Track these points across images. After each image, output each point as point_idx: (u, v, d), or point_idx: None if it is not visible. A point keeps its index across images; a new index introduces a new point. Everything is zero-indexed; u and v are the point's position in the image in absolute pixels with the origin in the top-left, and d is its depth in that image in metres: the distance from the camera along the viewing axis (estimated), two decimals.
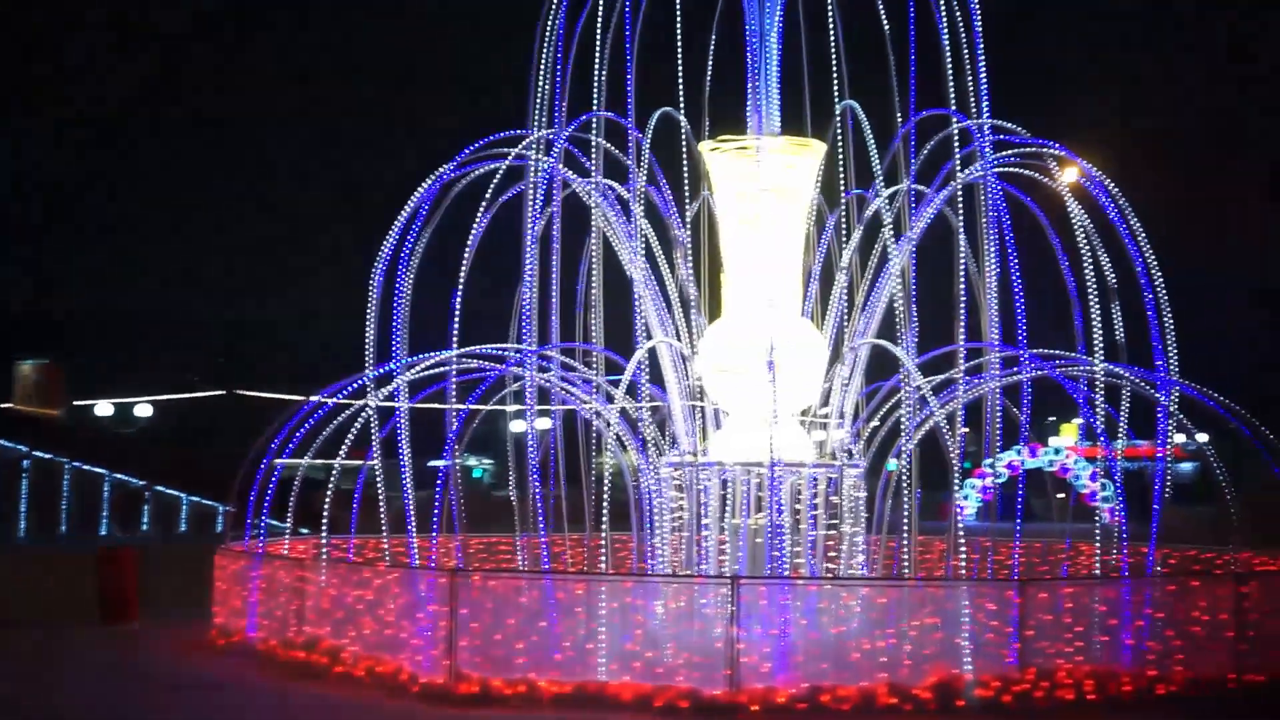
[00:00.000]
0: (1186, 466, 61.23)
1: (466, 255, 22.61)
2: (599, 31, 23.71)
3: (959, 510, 24.87)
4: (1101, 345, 22.24)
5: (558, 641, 18.78)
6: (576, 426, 24.81)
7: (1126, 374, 22.18)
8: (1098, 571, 22.41)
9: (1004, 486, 40.46)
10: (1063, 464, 49.84)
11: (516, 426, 30.34)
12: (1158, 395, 22.11)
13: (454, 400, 22.76)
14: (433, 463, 23.97)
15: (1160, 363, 22.26)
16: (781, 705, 17.85)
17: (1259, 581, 20.62)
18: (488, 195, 22.69)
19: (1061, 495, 46.42)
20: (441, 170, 22.80)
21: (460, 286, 22.56)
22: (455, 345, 22.60)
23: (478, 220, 22.85)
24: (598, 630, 18.67)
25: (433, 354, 22.67)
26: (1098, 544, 22.51)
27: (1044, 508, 46.03)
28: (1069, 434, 68.61)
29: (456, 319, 22.30)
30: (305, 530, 26.44)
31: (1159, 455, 22.11)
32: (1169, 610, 19.57)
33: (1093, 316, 22.49)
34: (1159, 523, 22.08)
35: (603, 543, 23.32)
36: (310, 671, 20.41)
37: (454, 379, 22.78)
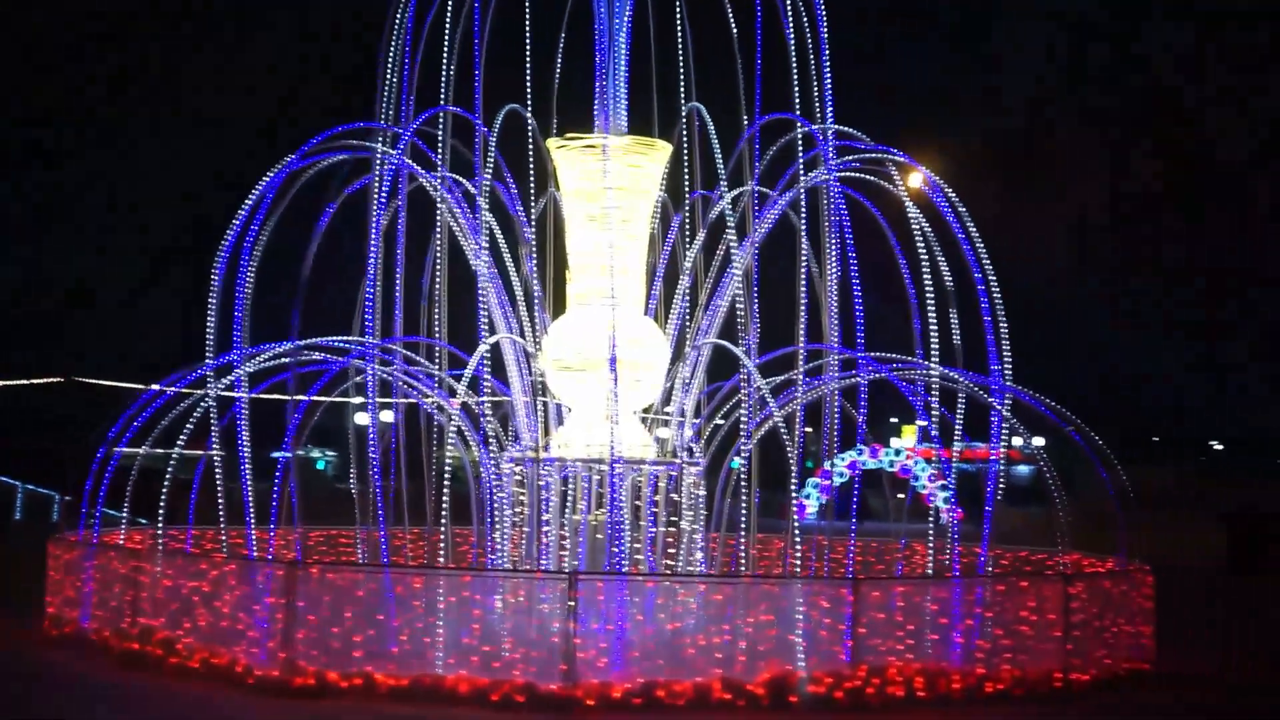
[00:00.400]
0: (1024, 469, 62.30)
1: (310, 247, 22.51)
2: (447, 26, 23.66)
3: (799, 509, 25.21)
4: (937, 349, 22.60)
5: (395, 635, 18.77)
6: (419, 420, 24.78)
7: (961, 378, 22.57)
8: (930, 571, 22.78)
9: (845, 486, 41.00)
10: (903, 465, 50.64)
11: (361, 419, 30.20)
12: (991, 400, 22.53)
13: (294, 392, 22.61)
14: (273, 454, 23.79)
15: (995, 368, 22.69)
16: (617, 700, 18.01)
17: (1085, 583, 21.09)
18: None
19: (901, 496, 47.11)
20: (286, 161, 22.63)
21: (304, 278, 22.47)
22: (296, 337, 22.48)
23: (323, 212, 22.76)
24: (435, 624, 18.69)
25: (273, 345, 22.51)
26: (930, 544, 22.89)
27: (883, 507, 46.68)
28: (910, 435, 69.55)
29: (298, 310, 22.25)
30: (143, 520, 26.10)
31: (991, 458, 22.54)
32: (998, 610, 20.00)
33: (930, 321, 22.85)
34: (993, 524, 22.50)
35: (443, 537, 23.30)
36: (145, 663, 20.17)
37: (294, 371, 22.61)
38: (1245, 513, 30.37)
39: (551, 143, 23.61)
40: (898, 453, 51.75)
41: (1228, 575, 29.98)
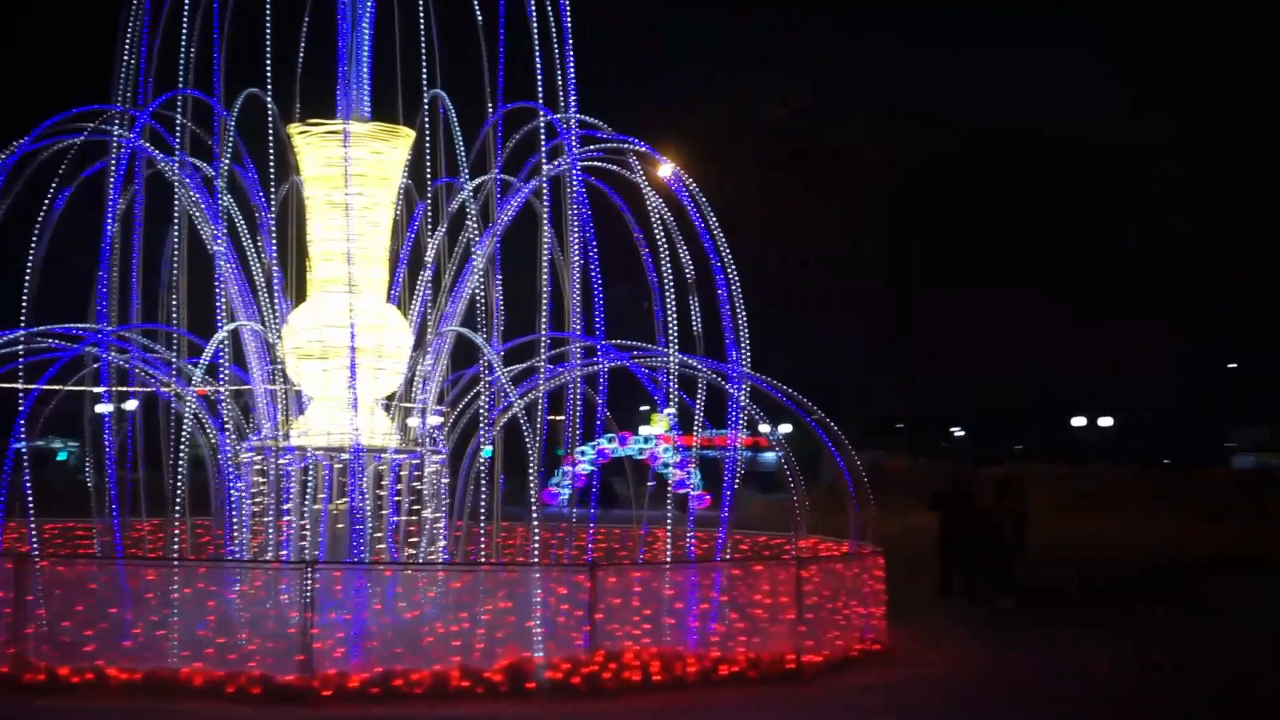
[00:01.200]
0: (771, 456, 63.32)
1: (44, 232, 22.02)
2: (186, 7, 23.23)
3: (550, 497, 25.36)
4: (677, 337, 22.91)
5: (128, 628, 18.45)
6: (157, 409, 24.33)
7: (700, 366, 22.91)
8: (669, 557, 23.08)
9: (597, 474, 41.25)
10: (652, 452, 51.11)
11: (103, 408, 29.53)
12: (729, 388, 22.92)
13: (23, 380, 22.03)
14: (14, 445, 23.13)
15: (734, 355, 23.09)
16: (354, 690, 17.91)
17: (819, 566, 21.59)
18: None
19: (652, 483, 47.52)
20: (18, 144, 22.05)
21: (35, 263, 21.96)
22: (29, 324, 21.94)
23: (55, 196, 22.25)
24: (170, 617, 18.42)
25: (4, 333, 21.91)
26: (669, 529, 23.19)
27: (630, 494, 47.01)
28: (659, 423, 70.23)
29: (26, 295, 21.74)
30: None
31: (730, 445, 22.94)
32: (733, 593, 20.38)
33: (670, 309, 23.15)
34: (738, 510, 22.90)
35: (180, 528, 22.92)
36: None
37: (24, 359, 22.03)
38: (952, 493, 31.29)
39: (293, 128, 23.36)
40: (647, 440, 52.26)
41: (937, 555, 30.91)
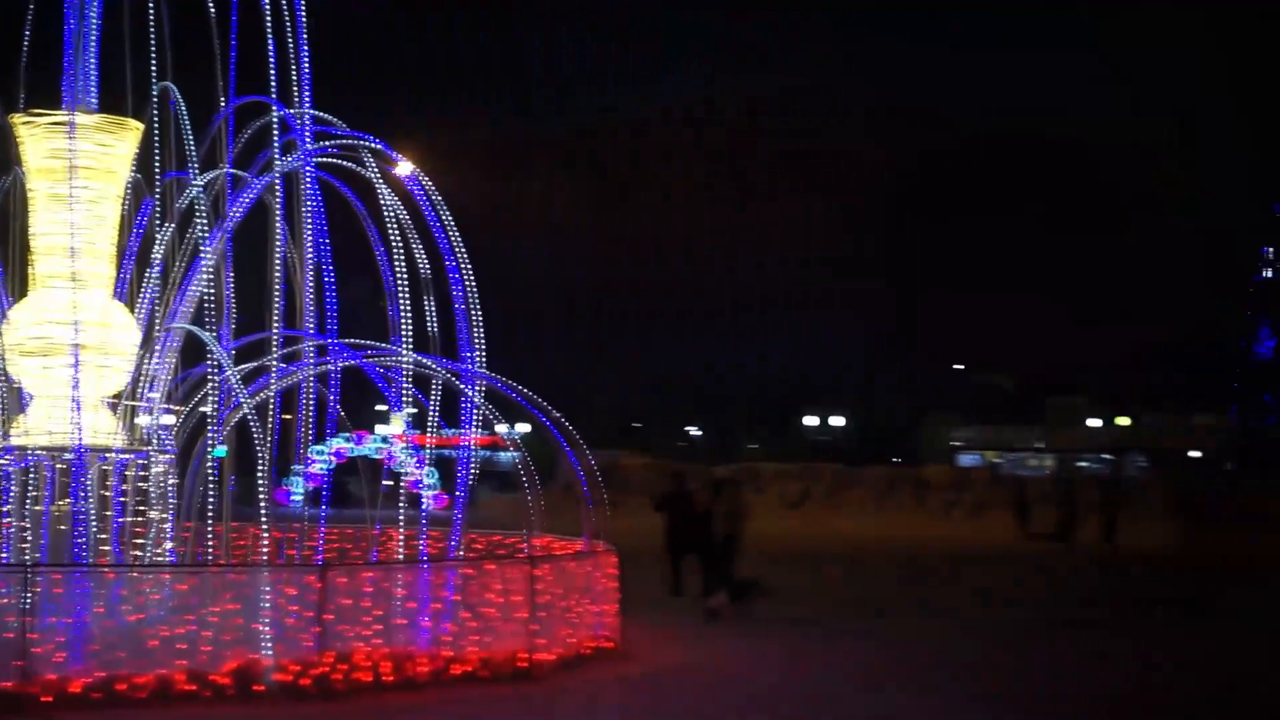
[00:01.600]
0: (508, 456, 63.36)
1: None
2: None
3: (284, 496, 25.02)
4: (412, 337, 22.84)
5: None
6: None
7: (434, 365, 22.86)
8: (401, 556, 22.96)
9: (331, 473, 40.79)
10: (389, 451, 50.65)
11: None
12: (464, 387, 22.92)
13: None
14: None
15: (467, 355, 23.09)
16: (76, 695, 17.47)
17: (552, 565, 21.71)
18: None
19: (389, 482, 47.17)
20: None
21: None
22: None
23: None
24: None
25: None
26: (401, 529, 23.09)
27: (366, 494, 46.63)
28: (397, 423, 69.76)
29: None
30: None
31: (463, 444, 22.94)
32: (466, 593, 20.38)
33: (406, 308, 23.06)
34: (477, 509, 22.91)
35: None
36: None
37: None
38: (675, 493, 31.78)
39: (16, 118, 22.68)
40: (384, 439, 51.74)
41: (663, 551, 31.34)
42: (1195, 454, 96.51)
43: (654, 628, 24.87)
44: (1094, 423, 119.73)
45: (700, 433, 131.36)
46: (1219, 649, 25.11)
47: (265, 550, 20.16)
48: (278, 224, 22.97)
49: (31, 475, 21.82)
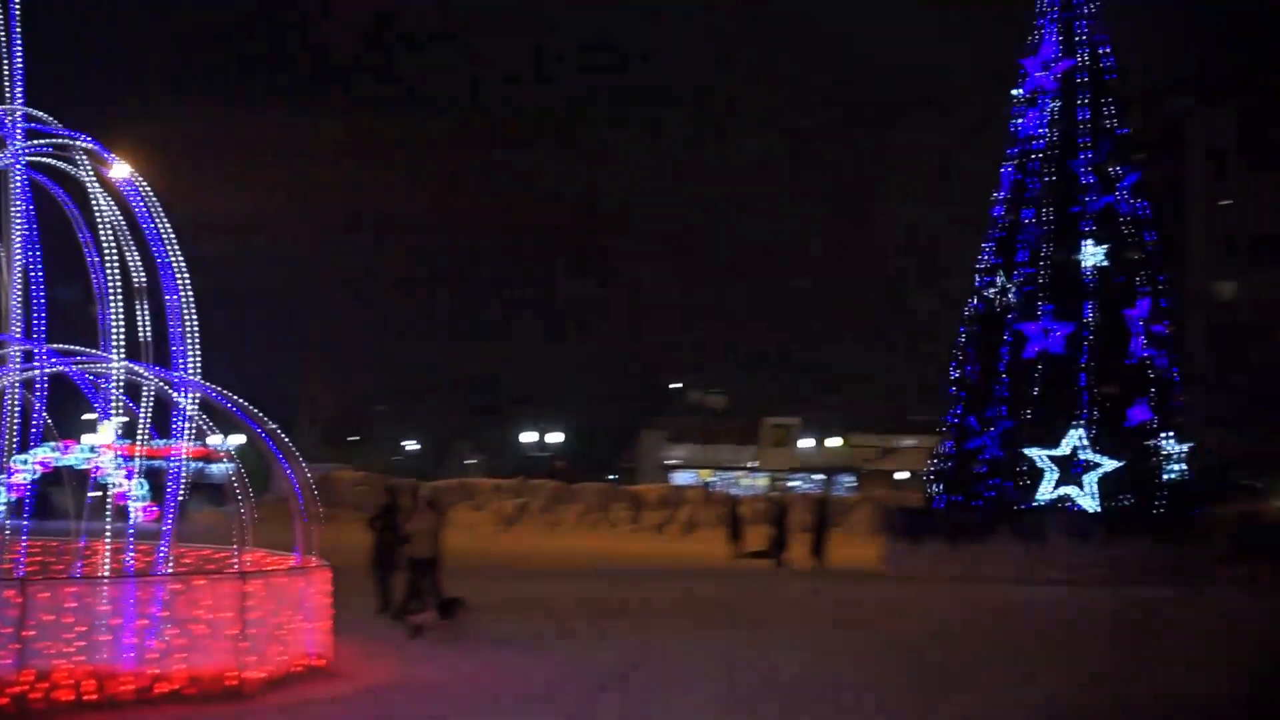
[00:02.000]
0: (221, 468, 62.15)
1: None
2: None
3: None
4: (124, 343, 22.23)
5: None
6: None
7: (146, 373, 22.28)
8: (107, 571, 22.29)
9: (35, 484, 39.46)
10: (97, 462, 49.17)
11: None
12: (177, 396, 22.38)
13: None
14: None
15: (181, 363, 22.56)
16: None
17: (264, 581, 21.27)
18: None
19: (96, 494, 45.80)
20: None
21: None
22: None
23: None
24: None
25: None
26: (108, 542, 22.41)
27: (71, 505, 45.27)
28: (105, 432, 67.93)
29: None
30: None
31: (175, 455, 22.40)
32: (174, 609, 19.85)
33: (118, 314, 22.43)
34: (187, 522, 22.35)
35: None
36: None
37: None
38: (385, 508, 31.53)
39: None
40: (92, 449, 50.26)
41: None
42: (902, 475, 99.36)
43: (365, 644, 24.61)
44: (806, 443, 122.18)
45: (419, 447, 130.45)
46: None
47: None
48: None
49: None
